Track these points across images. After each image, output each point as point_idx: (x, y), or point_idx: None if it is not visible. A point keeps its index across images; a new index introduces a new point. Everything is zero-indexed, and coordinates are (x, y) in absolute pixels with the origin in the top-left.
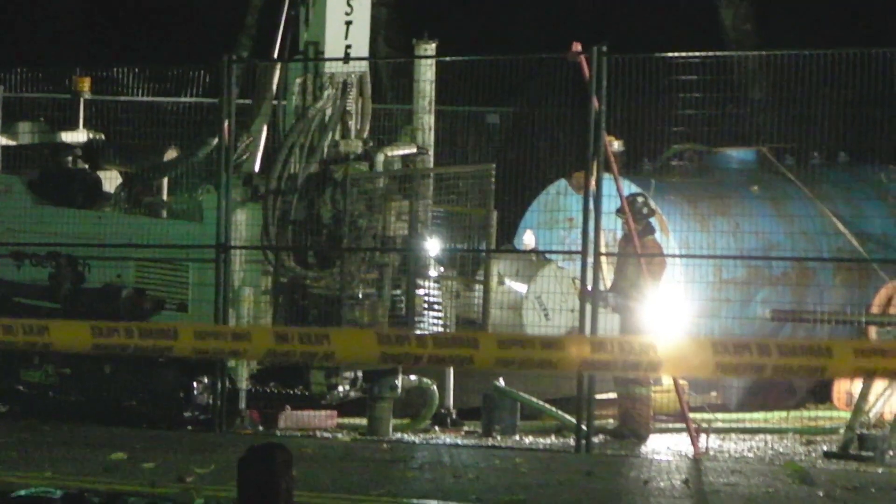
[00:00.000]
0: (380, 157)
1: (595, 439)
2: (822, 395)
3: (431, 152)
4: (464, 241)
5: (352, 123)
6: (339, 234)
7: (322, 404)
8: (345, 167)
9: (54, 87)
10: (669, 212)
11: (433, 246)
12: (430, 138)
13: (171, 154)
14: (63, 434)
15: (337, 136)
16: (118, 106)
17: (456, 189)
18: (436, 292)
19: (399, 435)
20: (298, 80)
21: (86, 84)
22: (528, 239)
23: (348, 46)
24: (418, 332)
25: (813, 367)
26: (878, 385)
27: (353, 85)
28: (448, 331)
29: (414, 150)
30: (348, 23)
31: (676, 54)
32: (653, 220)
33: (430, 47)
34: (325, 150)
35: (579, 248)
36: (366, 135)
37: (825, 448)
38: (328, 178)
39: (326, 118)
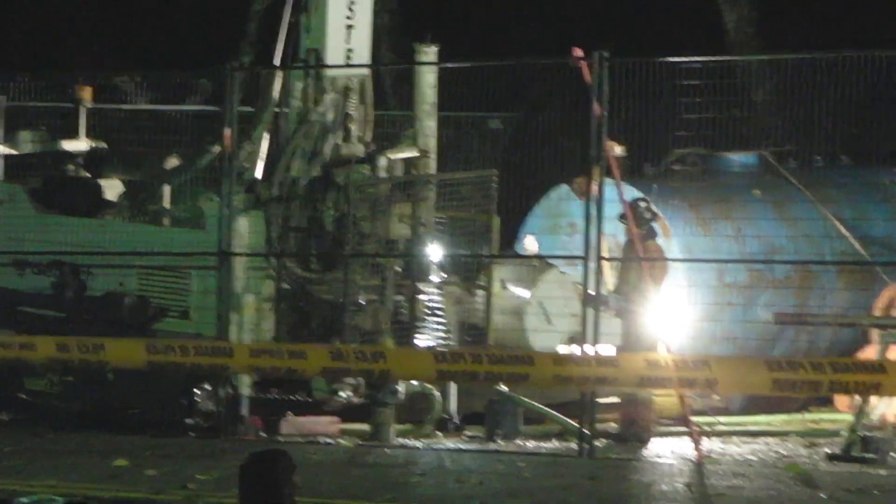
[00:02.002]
0: (382, 161)
1: (598, 443)
2: (824, 397)
3: (434, 157)
4: (466, 247)
5: (354, 128)
6: (342, 238)
7: (324, 410)
8: (347, 170)
9: (56, 96)
10: (672, 216)
11: (435, 252)
12: (433, 142)
13: (173, 162)
14: (66, 442)
15: (339, 140)
16: (120, 114)
17: (458, 195)
18: (438, 298)
19: (402, 440)
20: (300, 85)
21: (87, 93)
22: (530, 244)
23: (350, 50)
24: (421, 336)
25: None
26: None
27: (355, 89)
28: (450, 336)
29: (416, 153)
30: (349, 27)
31: (678, 58)
32: (655, 225)
33: (432, 51)
34: (328, 153)
35: (581, 254)
36: (368, 141)
37: (828, 450)
38: (331, 181)
39: (328, 122)
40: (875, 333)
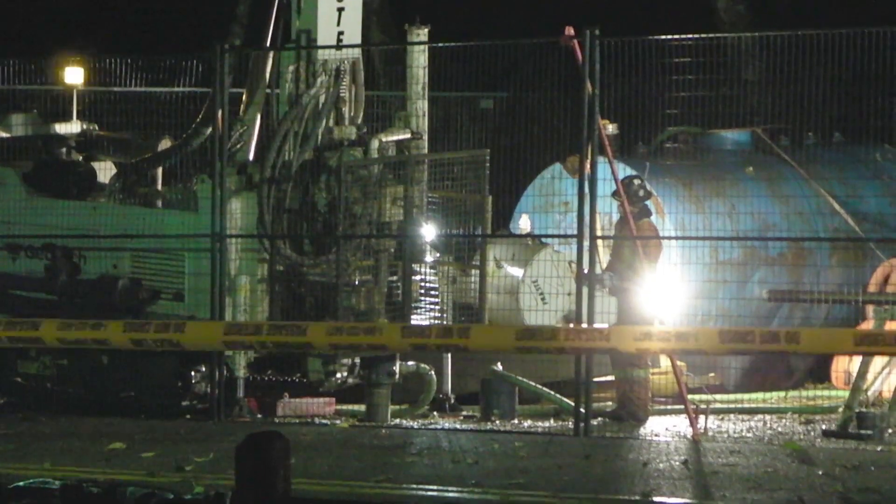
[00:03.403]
0: (374, 144)
1: (593, 422)
2: (820, 374)
3: (426, 138)
4: (459, 227)
5: (345, 110)
6: (335, 221)
7: (320, 391)
8: (339, 153)
9: (47, 79)
10: (665, 194)
11: (429, 232)
12: (424, 124)
13: (165, 144)
14: (61, 425)
15: (331, 123)
16: (111, 97)
17: (451, 175)
18: (432, 278)
19: (397, 421)
20: (291, 68)
21: (79, 75)
22: (523, 223)
23: (340, 33)
24: (415, 316)
25: None
26: (877, 363)
27: (346, 71)
28: (445, 316)
29: (408, 135)
30: (340, 9)
31: (669, 36)
32: (649, 203)
33: (423, 32)
34: (319, 136)
35: (575, 232)
36: (360, 122)
37: (824, 427)
38: (322, 164)
39: (320, 105)
40: (870, 310)
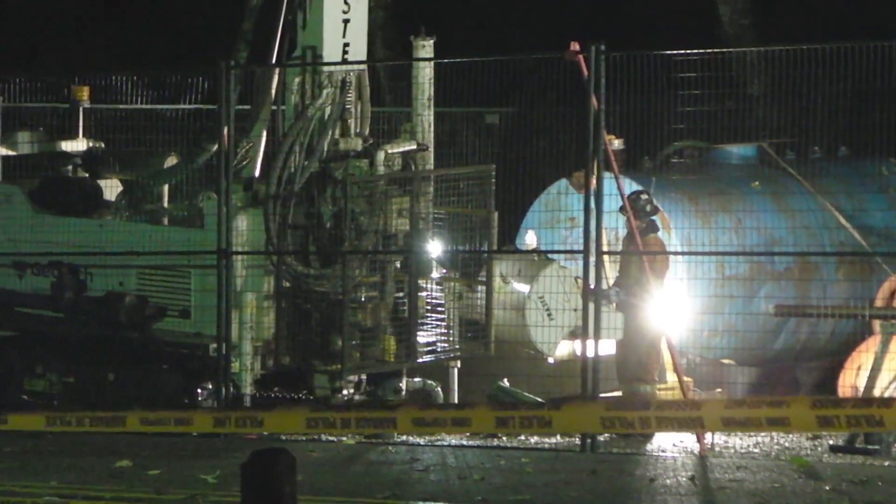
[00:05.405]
0: (380, 155)
1: (600, 438)
2: (827, 389)
3: (431, 152)
4: (465, 243)
5: (351, 122)
6: (341, 233)
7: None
8: (345, 164)
9: (53, 97)
10: (671, 209)
11: (435, 247)
12: (430, 136)
13: (170, 161)
14: (67, 443)
15: (336, 135)
16: (117, 114)
17: (456, 190)
18: (438, 294)
19: (404, 437)
20: (297, 80)
21: (84, 93)
22: (529, 239)
23: (346, 45)
24: (421, 332)
25: None
26: (884, 378)
27: (352, 83)
28: (452, 333)
29: (414, 147)
30: (346, 21)
31: (675, 51)
32: (655, 218)
33: (428, 43)
34: (325, 148)
35: (581, 248)
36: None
37: (831, 442)
38: (328, 176)
39: (326, 116)
40: (877, 324)
